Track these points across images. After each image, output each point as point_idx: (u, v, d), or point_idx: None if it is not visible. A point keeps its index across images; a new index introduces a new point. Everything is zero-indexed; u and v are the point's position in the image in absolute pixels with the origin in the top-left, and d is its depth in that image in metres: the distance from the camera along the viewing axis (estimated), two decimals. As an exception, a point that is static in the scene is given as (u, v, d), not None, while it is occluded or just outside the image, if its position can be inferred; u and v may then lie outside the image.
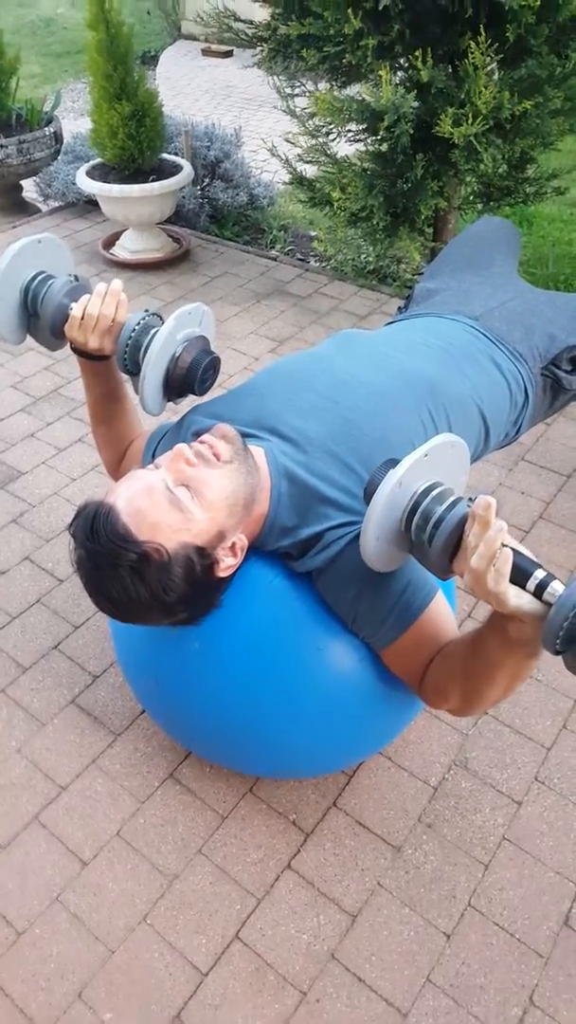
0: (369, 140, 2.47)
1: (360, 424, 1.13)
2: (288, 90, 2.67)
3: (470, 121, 2.04)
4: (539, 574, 0.85)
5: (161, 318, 1.21)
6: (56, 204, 3.72)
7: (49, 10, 8.12)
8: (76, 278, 1.26)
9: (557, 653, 0.84)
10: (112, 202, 3.01)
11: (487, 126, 2.13)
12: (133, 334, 1.17)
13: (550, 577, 0.85)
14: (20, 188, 3.77)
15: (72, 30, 7.31)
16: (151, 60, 6.92)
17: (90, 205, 3.57)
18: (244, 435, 1.15)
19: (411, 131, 2.17)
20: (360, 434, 1.12)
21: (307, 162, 2.71)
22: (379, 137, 2.32)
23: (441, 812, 1.40)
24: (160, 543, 0.97)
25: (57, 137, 3.58)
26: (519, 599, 0.85)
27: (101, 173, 3.04)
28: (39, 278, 1.23)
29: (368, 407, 1.15)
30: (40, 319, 1.24)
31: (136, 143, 2.88)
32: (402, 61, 2.24)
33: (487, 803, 1.41)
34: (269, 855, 1.34)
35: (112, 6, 2.65)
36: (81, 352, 1.24)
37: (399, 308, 1.63)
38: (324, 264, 3.33)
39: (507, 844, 1.35)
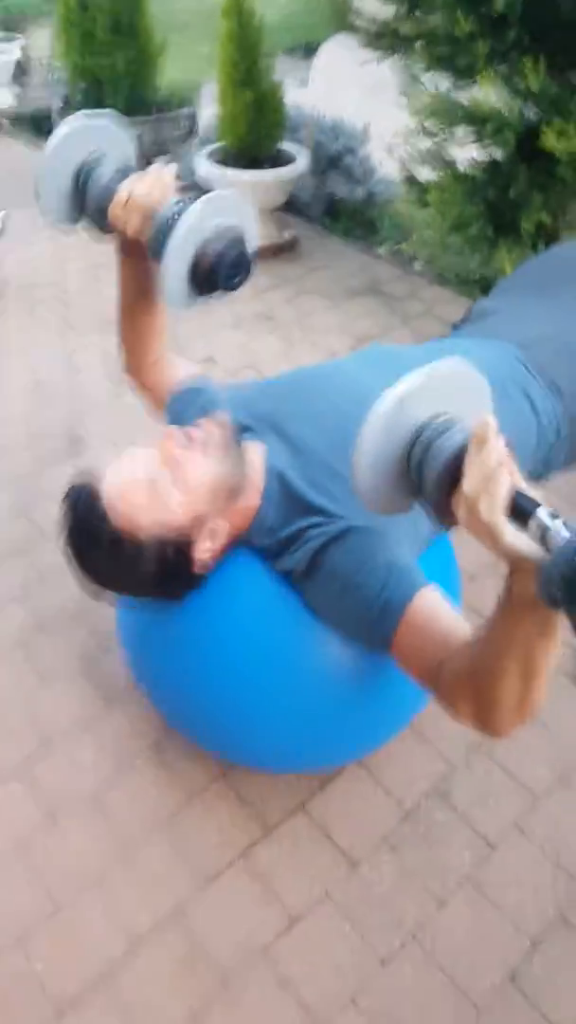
0: (477, 146, 2.39)
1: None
2: (409, 88, 2.64)
3: (573, 135, 1.94)
4: (542, 513, 0.74)
5: (205, 203, 1.10)
6: (182, 183, 3.84)
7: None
8: (127, 164, 1.19)
9: (556, 605, 0.71)
10: (223, 186, 3.07)
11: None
12: (166, 220, 1.09)
13: (555, 518, 0.74)
14: (150, 164, 3.92)
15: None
16: (312, 50, 6.95)
17: (210, 188, 3.66)
18: (248, 429, 1.17)
19: (515, 140, 2.09)
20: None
21: (422, 163, 2.67)
22: (485, 144, 2.25)
23: (408, 837, 1.37)
24: (135, 525, 1.02)
25: (192, 121, 3.69)
26: (516, 539, 0.75)
27: (221, 158, 3.11)
28: (94, 156, 1.18)
29: None
30: (88, 196, 1.18)
31: (255, 131, 2.93)
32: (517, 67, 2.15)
33: (459, 839, 1.37)
34: (227, 842, 1.36)
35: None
36: (122, 242, 1.20)
37: (454, 324, 1.58)
38: (428, 267, 3.27)
39: (469, 886, 1.31)
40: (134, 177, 1.12)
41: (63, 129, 1.16)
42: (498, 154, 2.39)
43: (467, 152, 2.59)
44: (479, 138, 2.29)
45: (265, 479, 1.12)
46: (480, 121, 2.14)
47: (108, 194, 1.14)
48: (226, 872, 1.32)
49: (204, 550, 1.08)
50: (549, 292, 1.48)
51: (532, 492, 0.77)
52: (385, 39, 2.44)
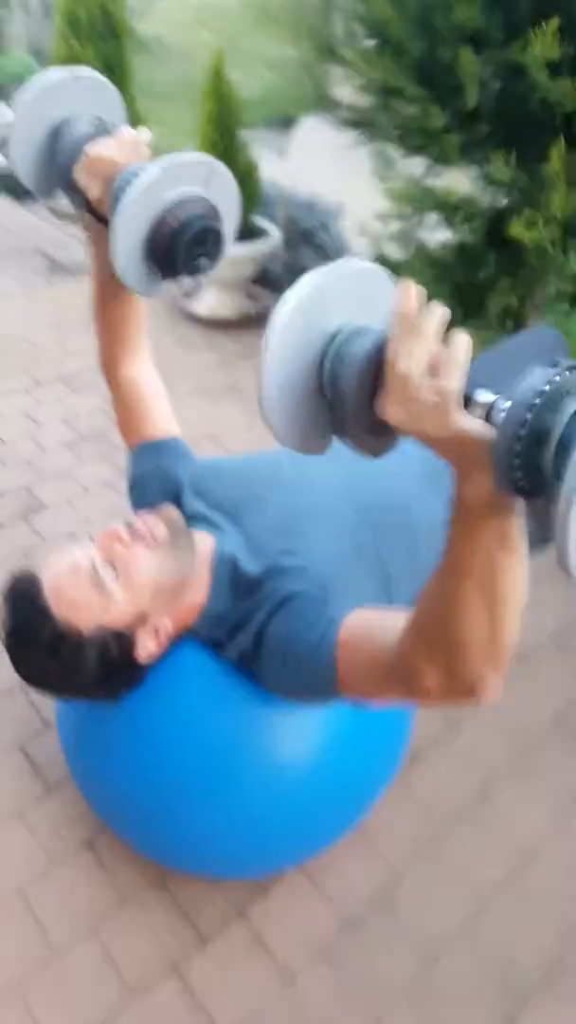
0: (447, 230, 2.46)
1: (306, 518, 1.11)
2: (383, 172, 2.72)
3: (541, 225, 2.00)
4: (484, 393, 0.65)
5: (163, 168, 0.95)
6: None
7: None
8: (101, 121, 1.05)
9: (519, 491, 0.61)
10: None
11: (560, 232, 2.09)
12: (123, 183, 0.94)
13: (502, 398, 0.64)
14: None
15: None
16: (292, 121, 7.22)
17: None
18: (200, 517, 1.15)
19: (484, 227, 2.15)
20: (303, 527, 1.10)
21: (393, 243, 2.74)
22: (455, 228, 2.31)
23: (348, 948, 1.31)
24: (76, 623, 0.98)
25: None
26: (467, 420, 0.64)
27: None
28: (70, 119, 1.04)
29: (316, 518, 1.12)
30: (58, 159, 1.04)
31: (231, 206, 2.98)
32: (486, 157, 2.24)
33: (401, 949, 1.31)
34: (159, 951, 1.29)
35: (225, 79, 2.79)
36: (89, 213, 1.04)
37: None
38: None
39: (409, 1002, 1.25)
40: (103, 138, 0.99)
41: (40, 82, 1.02)
42: (468, 238, 2.45)
43: (437, 235, 2.66)
44: (449, 224, 2.35)
45: (213, 569, 1.09)
46: (451, 208, 2.20)
47: (76, 155, 0.99)
48: (158, 984, 1.25)
49: (146, 649, 1.04)
50: (499, 383, 1.50)
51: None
52: (361, 126, 2.51)
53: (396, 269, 2.69)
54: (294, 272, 3.56)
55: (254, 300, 3.36)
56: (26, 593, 1.00)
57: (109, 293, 1.15)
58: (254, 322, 3.24)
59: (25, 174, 1.07)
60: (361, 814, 1.29)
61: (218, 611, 1.09)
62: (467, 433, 0.64)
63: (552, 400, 0.57)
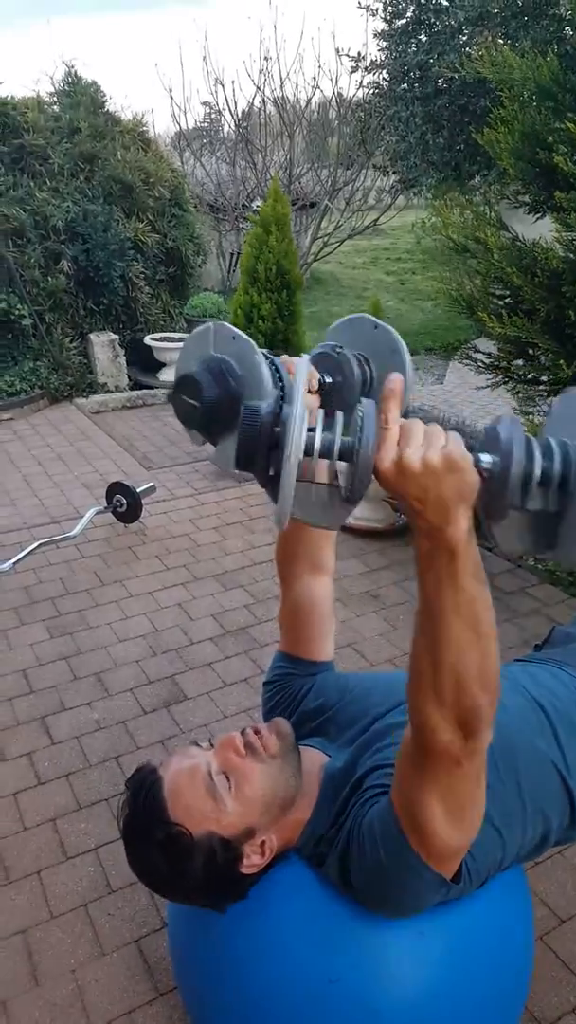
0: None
1: None
2: (522, 407, 2.96)
3: None
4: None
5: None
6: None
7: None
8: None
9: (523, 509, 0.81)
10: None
11: None
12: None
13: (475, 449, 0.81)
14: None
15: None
16: (452, 350, 7.95)
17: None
18: (316, 732, 1.23)
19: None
20: None
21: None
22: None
23: None
24: (188, 827, 1.03)
25: (328, 414, 4.22)
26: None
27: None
28: None
29: None
30: None
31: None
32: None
33: None
34: None
35: (380, 315, 3.20)
36: None
37: (536, 645, 1.61)
38: (539, 565, 3.37)
39: None
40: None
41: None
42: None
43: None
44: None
45: (322, 787, 1.14)
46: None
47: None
48: None
49: (251, 862, 1.08)
50: None
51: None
52: (499, 370, 2.79)
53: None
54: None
55: (398, 512, 3.57)
56: (147, 788, 1.07)
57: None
58: (397, 534, 3.43)
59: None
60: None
61: (322, 830, 1.12)
62: (466, 468, 0.77)
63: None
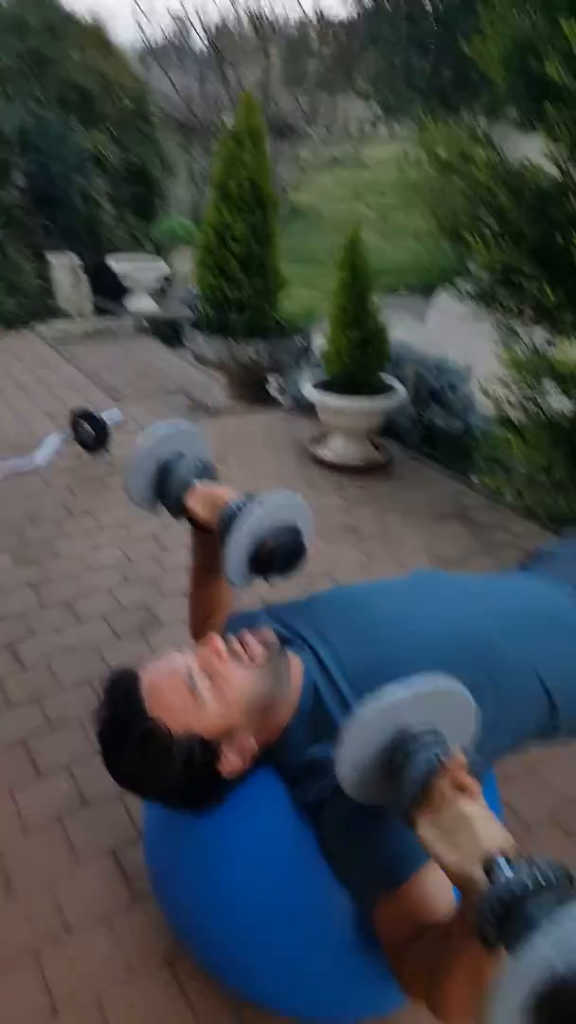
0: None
1: (393, 670, 1.14)
2: (506, 340, 2.91)
3: None
4: (492, 852, 0.81)
5: (262, 505, 1.30)
6: (290, 401, 4.23)
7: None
8: (202, 462, 1.43)
9: (487, 942, 0.77)
10: (326, 410, 3.38)
11: None
12: (231, 513, 1.29)
13: (504, 857, 0.80)
14: (266, 382, 4.36)
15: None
16: (432, 290, 7.84)
17: (314, 407, 4.01)
18: (289, 641, 1.22)
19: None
20: (389, 678, 1.14)
21: (514, 407, 2.87)
22: (571, 396, 2.42)
23: None
24: (167, 723, 1.03)
25: (305, 346, 4.13)
26: (476, 870, 0.80)
27: (325, 383, 3.43)
28: (174, 457, 1.42)
29: (407, 653, 1.16)
30: (167, 489, 1.41)
31: (358, 364, 3.24)
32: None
33: None
34: None
35: (360, 251, 3.12)
36: (193, 523, 1.37)
37: (520, 564, 1.62)
38: (518, 500, 3.39)
39: None
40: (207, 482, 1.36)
41: (152, 433, 1.41)
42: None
43: (559, 401, 2.78)
44: (564, 392, 2.47)
45: (301, 694, 1.14)
46: (564, 378, 2.33)
47: (184, 486, 1.37)
48: None
49: (230, 763, 1.08)
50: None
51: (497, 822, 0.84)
52: (484, 299, 2.73)
53: (516, 430, 2.81)
54: (420, 428, 3.76)
55: (378, 449, 3.55)
56: (124, 687, 1.06)
57: (206, 578, 1.43)
58: (377, 469, 3.41)
59: (136, 496, 1.44)
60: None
61: (298, 739, 1.12)
62: (472, 879, 0.79)
63: (525, 892, 0.75)
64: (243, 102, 3.80)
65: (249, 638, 1.12)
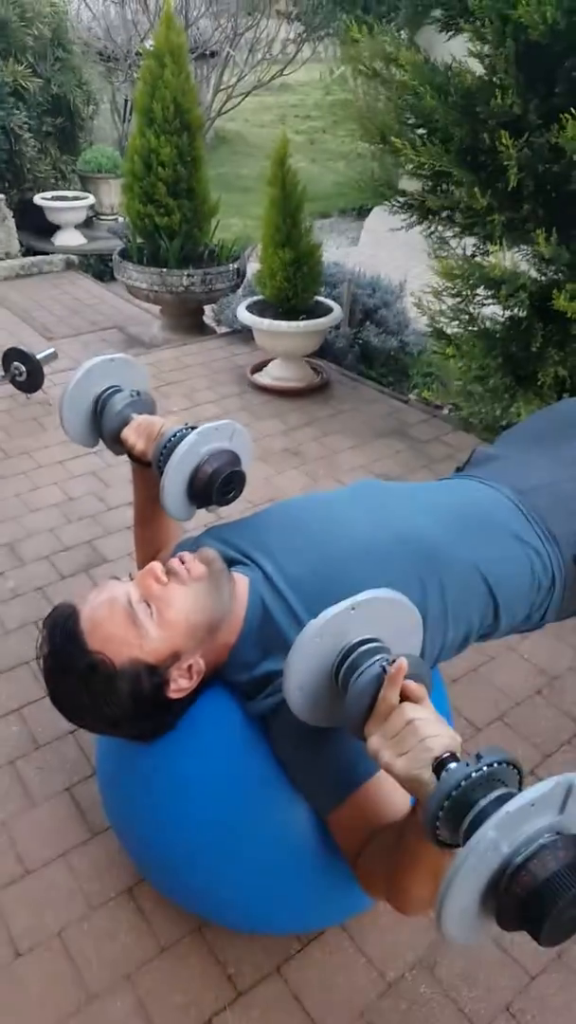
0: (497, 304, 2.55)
1: (339, 575, 1.13)
2: (437, 251, 2.85)
3: (584, 297, 2.06)
4: (440, 753, 0.82)
5: (197, 432, 1.28)
6: (226, 329, 4.11)
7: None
8: (138, 393, 1.41)
9: (436, 839, 0.80)
10: (262, 334, 3.29)
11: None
12: (167, 442, 1.28)
13: (454, 758, 0.82)
14: (202, 312, 4.22)
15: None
16: (364, 213, 7.70)
17: (251, 334, 3.91)
18: (234, 561, 1.19)
19: (530, 302, 2.22)
20: (336, 586, 1.11)
21: (449, 318, 2.83)
22: (503, 303, 2.39)
23: (387, 1014, 1.26)
24: (109, 654, 1.00)
25: (239, 273, 3.99)
26: (426, 772, 0.82)
27: (260, 308, 3.33)
28: (109, 390, 1.41)
29: (352, 556, 1.15)
30: (103, 422, 1.40)
31: (292, 285, 3.14)
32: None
33: (442, 1019, 1.25)
34: (193, 1003, 1.27)
35: (290, 167, 2.99)
36: (132, 456, 1.37)
37: (457, 467, 1.62)
38: (454, 413, 3.38)
39: (451, 1075, 1.19)
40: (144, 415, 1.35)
41: (85, 366, 1.39)
42: (517, 312, 2.53)
43: (491, 309, 2.75)
44: (497, 298, 2.44)
45: (247, 612, 1.12)
46: (496, 283, 2.28)
47: (121, 420, 1.35)
48: (188, 1036, 1.22)
49: (178, 686, 1.06)
50: (550, 444, 1.52)
51: (444, 725, 0.85)
52: (415, 209, 2.65)
53: (452, 343, 2.78)
54: (356, 347, 3.70)
55: (316, 372, 3.49)
56: (63, 623, 1.03)
57: (149, 512, 1.44)
58: (315, 392, 3.36)
59: (73, 432, 1.43)
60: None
61: (247, 655, 1.11)
62: (421, 780, 0.81)
63: (473, 787, 0.77)
64: (164, 21, 3.55)
65: (188, 555, 1.10)
